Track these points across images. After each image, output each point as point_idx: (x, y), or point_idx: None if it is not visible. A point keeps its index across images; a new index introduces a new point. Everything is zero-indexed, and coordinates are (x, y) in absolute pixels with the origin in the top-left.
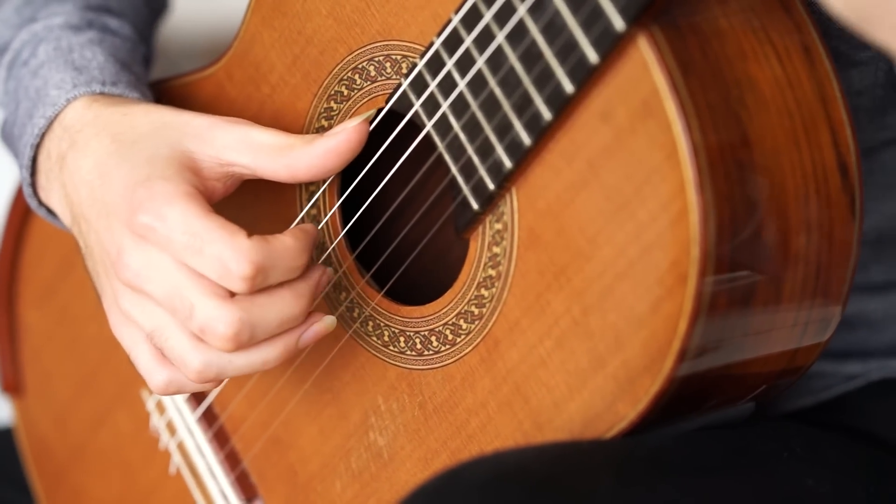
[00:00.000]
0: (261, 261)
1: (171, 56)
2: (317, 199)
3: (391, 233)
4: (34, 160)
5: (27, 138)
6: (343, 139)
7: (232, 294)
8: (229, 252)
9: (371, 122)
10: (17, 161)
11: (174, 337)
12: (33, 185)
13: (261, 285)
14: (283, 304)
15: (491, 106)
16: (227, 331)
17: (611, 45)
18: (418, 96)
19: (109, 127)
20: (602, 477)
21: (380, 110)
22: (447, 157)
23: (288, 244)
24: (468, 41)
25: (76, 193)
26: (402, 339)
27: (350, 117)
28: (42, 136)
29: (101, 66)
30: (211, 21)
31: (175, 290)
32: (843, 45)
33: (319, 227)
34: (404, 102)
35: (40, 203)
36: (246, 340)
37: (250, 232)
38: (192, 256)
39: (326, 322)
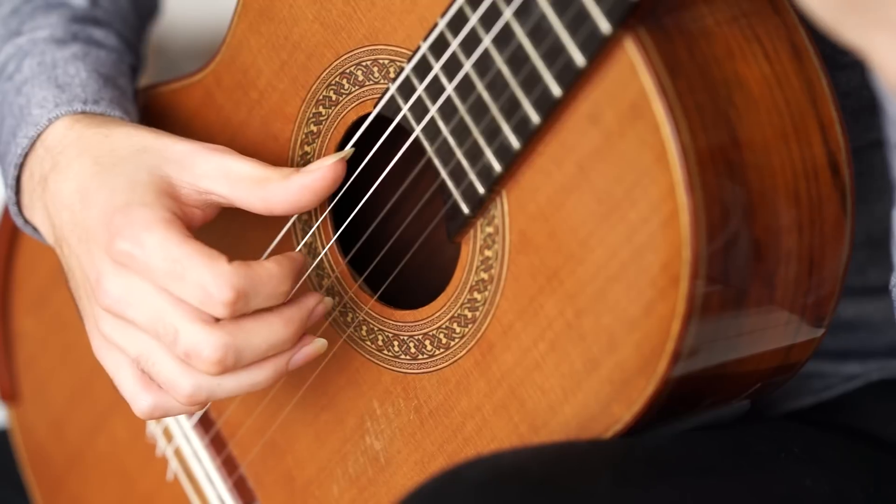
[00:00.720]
0: (242, 286)
1: (171, 56)
2: None
3: (383, 237)
4: (18, 179)
5: (11, 157)
6: (318, 177)
7: (217, 319)
8: (209, 277)
9: (359, 127)
10: (2, 177)
11: (161, 362)
12: (18, 203)
13: (242, 310)
14: (271, 330)
15: (479, 110)
16: (212, 355)
17: (597, 48)
18: (406, 101)
19: (91, 149)
20: (600, 477)
21: (365, 117)
22: (437, 162)
23: (271, 270)
24: (454, 45)
25: (58, 216)
26: (395, 343)
27: (336, 127)
28: (25, 156)
29: (84, 84)
30: (211, 21)
31: (158, 316)
32: (828, 48)
33: (311, 231)
34: (392, 107)
35: (26, 222)
36: (231, 364)
37: (241, 239)
38: (172, 282)
39: (317, 345)
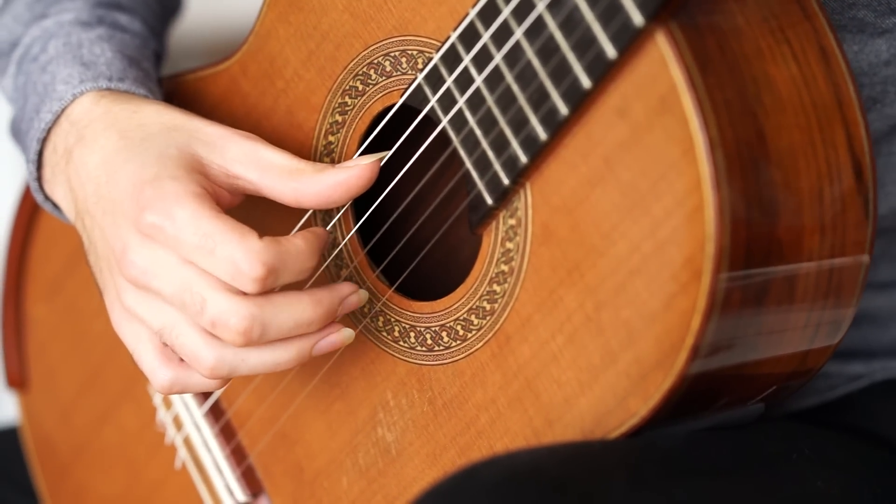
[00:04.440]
0: (272, 262)
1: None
2: None
3: (403, 228)
4: (40, 154)
5: (34, 132)
6: (354, 174)
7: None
8: (241, 253)
9: (385, 117)
10: (24, 155)
11: (185, 333)
12: (39, 179)
13: (271, 286)
14: (299, 307)
15: (507, 101)
16: (239, 324)
17: (629, 41)
18: (434, 91)
19: (118, 123)
20: (615, 477)
21: (389, 108)
22: (462, 152)
23: (299, 246)
24: (486, 37)
25: (81, 189)
26: (412, 334)
27: (361, 117)
28: (48, 131)
29: (109, 62)
30: (211, 21)
31: (185, 286)
32: (870, 14)
33: (333, 222)
34: (419, 97)
35: (46, 197)
36: (257, 337)
37: (261, 224)
38: (203, 257)
39: (344, 334)
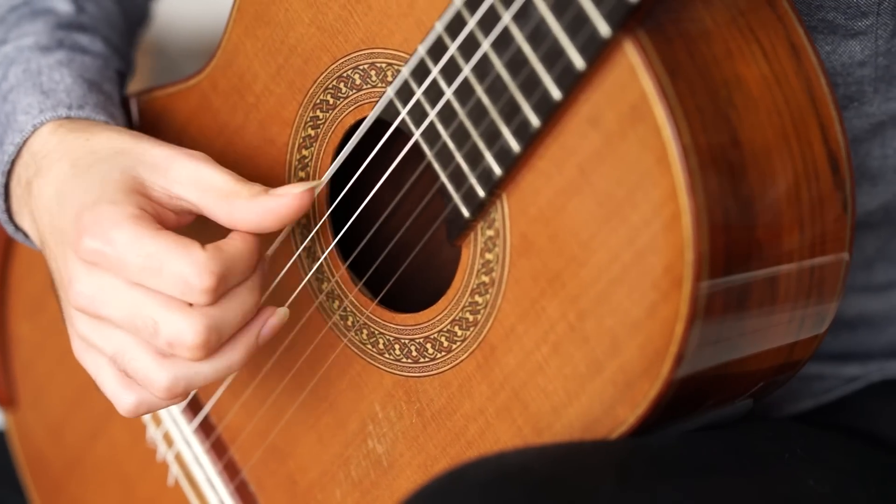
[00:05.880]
0: (220, 270)
1: (171, 56)
2: None
3: (382, 240)
4: (7, 186)
5: None
6: (284, 203)
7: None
8: (188, 267)
9: (357, 131)
10: None
11: (137, 357)
12: (8, 210)
13: (222, 294)
14: (241, 301)
15: (479, 114)
16: (196, 339)
17: (597, 51)
18: (405, 104)
19: (71, 153)
20: (604, 477)
21: (361, 121)
22: (436, 165)
23: (240, 247)
24: (453, 49)
25: (41, 220)
26: (397, 346)
27: (334, 131)
28: (12, 163)
29: (69, 89)
30: (211, 21)
31: (134, 310)
32: (840, 16)
33: (311, 235)
34: (391, 111)
35: (17, 228)
36: (215, 344)
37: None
38: (150, 277)
39: (280, 314)
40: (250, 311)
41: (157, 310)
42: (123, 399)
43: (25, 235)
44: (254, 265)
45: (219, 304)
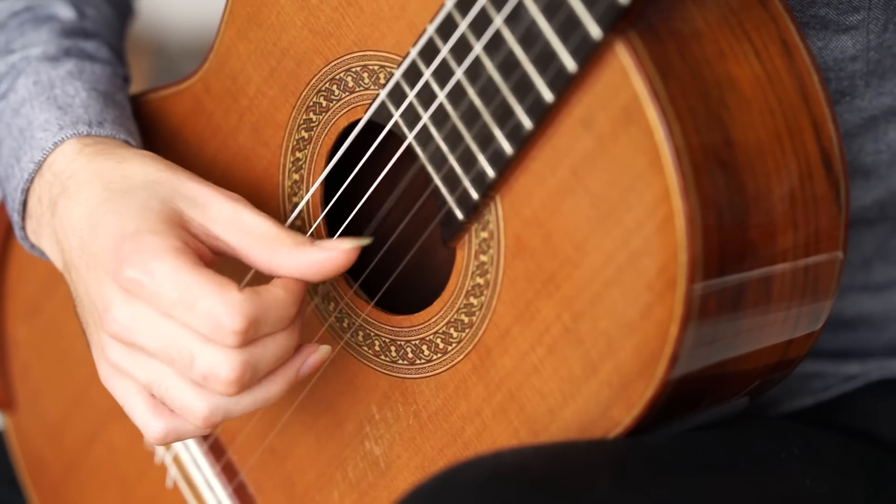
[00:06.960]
0: (253, 314)
1: (171, 56)
2: (301, 210)
3: (378, 242)
4: (24, 204)
5: (16, 182)
6: (331, 256)
7: None
8: (221, 307)
9: (350, 134)
10: (4, 200)
11: (175, 386)
12: (24, 227)
13: (252, 338)
14: (279, 344)
15: (471, 116)
16: (230, 375)
17: (588, 54)
18: (397, 107)
19: (102, 175)
20: (600, 476)
21: (355, 123)
22: (430, 168)
23: (279, 295)
24: (445, 51)
25: (67, 241)
26: (393, 348)
27: (327, 133)
28: (31, 181)
29: (85, 104)
30: (211, 21)
31: (171, 341)
32: (832, 11)
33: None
34: (384, 113)
35: (32, 246)
36: (248, 381)
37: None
38: (182, 312)
39: (322, 352)
40: (289, 349)
41: (193, 342)
42: (153, 426)
43: (42, 252)
44: (293, 314)
45: (256, 343)
